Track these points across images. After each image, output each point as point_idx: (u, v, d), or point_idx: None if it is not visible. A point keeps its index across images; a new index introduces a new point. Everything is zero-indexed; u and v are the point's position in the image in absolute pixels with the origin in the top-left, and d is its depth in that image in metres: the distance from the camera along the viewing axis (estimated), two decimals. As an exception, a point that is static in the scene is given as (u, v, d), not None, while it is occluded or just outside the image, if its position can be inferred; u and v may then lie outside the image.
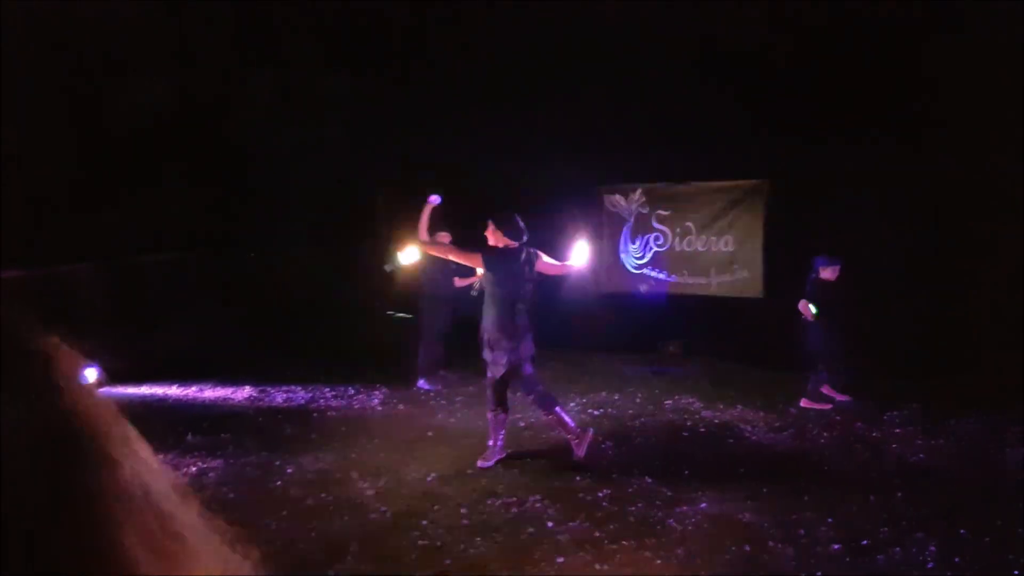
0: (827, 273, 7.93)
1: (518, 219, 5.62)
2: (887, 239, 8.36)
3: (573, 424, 5.74)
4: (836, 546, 4.18)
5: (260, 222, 11.67)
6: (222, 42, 10.50)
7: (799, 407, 7.75)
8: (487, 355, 5.56)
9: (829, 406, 7.79)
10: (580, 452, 5.60)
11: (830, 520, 4.57)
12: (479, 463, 5.55)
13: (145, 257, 10.38)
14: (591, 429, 5.80)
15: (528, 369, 5.59)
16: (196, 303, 10.20)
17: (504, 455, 5.66)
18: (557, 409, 5.69)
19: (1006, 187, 9.06)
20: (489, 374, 5.61)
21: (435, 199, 8.18)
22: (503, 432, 5.71)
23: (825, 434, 6.76)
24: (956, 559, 4.01)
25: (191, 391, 8.17)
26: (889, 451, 6.26)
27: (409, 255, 7.08)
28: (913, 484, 5.32)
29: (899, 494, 5.08)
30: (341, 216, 11.97)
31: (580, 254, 6.08)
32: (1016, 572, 3.88)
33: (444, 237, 8.55)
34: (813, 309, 7.86)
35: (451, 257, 6.03)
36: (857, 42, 9.52)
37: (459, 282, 8.54)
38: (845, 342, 7.88)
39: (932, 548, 4.15)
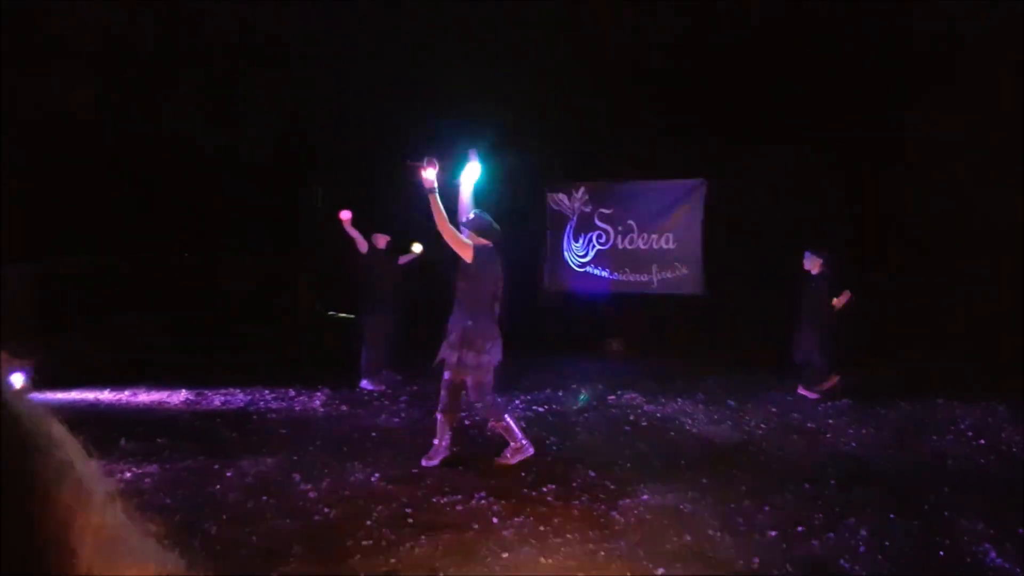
0: (809, 264, 8.10)
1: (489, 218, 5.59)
2: (819, 236, 8.57)
3: (521, 435, 5.66)
4: (773, 533, 4.29)
5: (195, 223, 11.44)
6: (148, 38, 10.26)
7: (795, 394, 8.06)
8: (452, 355, 5.38)
9: (826, 388, 8.03)
10: (511, 460, 5.57)
11: (767, 508, 4.69)
12: (423, 461, 5.54)
13: (72, 259, 10.08)
14: (532, 449, 5.66)
15: (489, 377, 5.49)
16: (128, 307, 9.96)
17: (448, 454, 5.65)
18: (507, 417, 5.67)
19: (934, 185, 9.41)
20: (448, 375, 5.46)
21: (346, 215, 8.18)
22: (450, 433, 5.68)
23: (762, 426, 6.93)
24: (886, 542, 4.16)
25: (124, 396, 7.96)
26: (823, 441, 6.45)
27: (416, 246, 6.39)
28: (845, 472, 5.50)
29: (832, 482, 5.24)
30: (279, 215, 11.80)
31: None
32: (941, 553, 4.03)
33: (381, 240, 8.51)
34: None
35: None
36: (793, 47, 9.76)
37: (404, 259, 8.58)
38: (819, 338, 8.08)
39: (863, 532, 4.29)
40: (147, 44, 10.28)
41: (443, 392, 5.55)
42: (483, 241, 5.48)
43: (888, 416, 7.35)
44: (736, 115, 10.22)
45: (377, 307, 8.40)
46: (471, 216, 5.61)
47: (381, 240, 8.54)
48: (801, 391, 8.09)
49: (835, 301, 8.02)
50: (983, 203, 9.32)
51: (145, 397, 7.95)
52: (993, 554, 4.00)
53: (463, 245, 5.34)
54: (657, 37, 10.17)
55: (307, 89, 11.05)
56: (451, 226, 5.31)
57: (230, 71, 10.73)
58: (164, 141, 10.77)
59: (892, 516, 4.55)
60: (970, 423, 7.01)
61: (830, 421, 7.12)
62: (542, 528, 4.33)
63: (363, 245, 8.32)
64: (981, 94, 9.07)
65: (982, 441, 6.43)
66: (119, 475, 5.19)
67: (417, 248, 8.73)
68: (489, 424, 5.78)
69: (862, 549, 4.07)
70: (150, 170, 10.89)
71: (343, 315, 7.90)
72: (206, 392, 8.09)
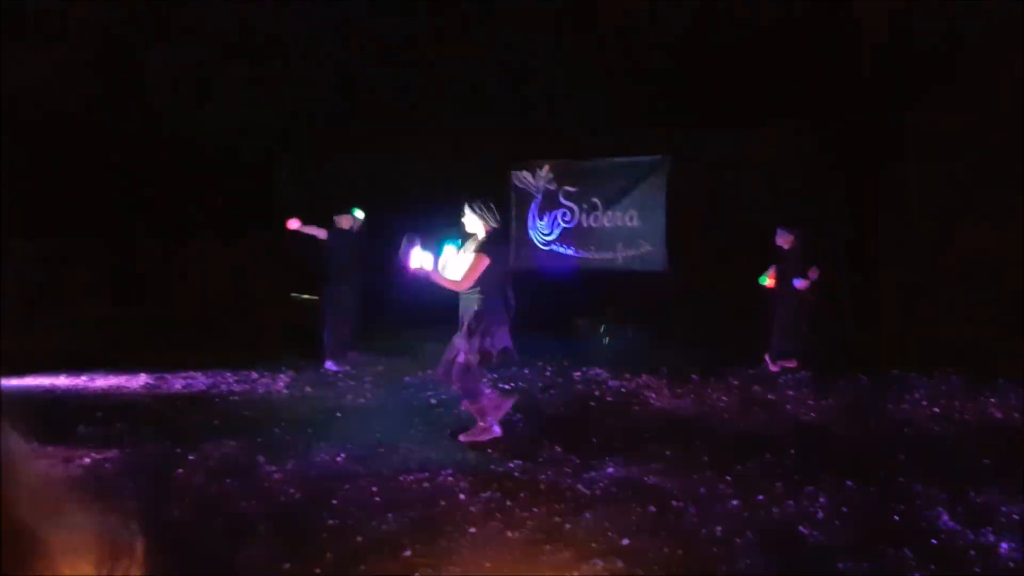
0: (781, 240, 8.14)
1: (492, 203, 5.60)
2: (783, 213, 8.69)
3: (492, 418, 5.67)
4: (735, 502, 4.37)
5: (154, 206, 11.24)
6: (110, 19, 10.01)
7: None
8: (473, 343, 5.40)
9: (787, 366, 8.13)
10: (474, 438, 5.61)
11: (728, 478, 4.77)
12: (495, 428, 5.63)
13: (28, 243, 9.85)
14: (499, 431, 5.68)
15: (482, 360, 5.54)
16: (86, 290, 9.78)
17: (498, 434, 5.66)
18: (486, 394, 5.72)
19: (900, 162, 9.58)
20: (469, 360, 5.45)
21: (293, 224, 8.15)
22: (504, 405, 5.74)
23: (724, 398, 7.03)
24: (844, 509, 4.26)
25: (80, 381, 7.82)
26: (783, 412, 6.57)
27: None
28: (804, 442, 5.61)
29: (792, 451, 5.34)
30: (240, 197, 11.64)
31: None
32: (896, 517, 4.14)
33: (344, 221, 8.46)
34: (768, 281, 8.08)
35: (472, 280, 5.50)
36: (756, 28, 9.82)
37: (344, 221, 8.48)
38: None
39: (822, 500, 4.39)
40: (110, 21, 10.02)
41: (472, 379, 5.56)
42: (486, 260, 5.43)
43: (846, 387, 7.50)
44: (701, 94, 10.29)
45: (340, 288, 8.35)
46: (478, 241, 5.53)
47: (345, 221, 8.49)
48: (767, 359, 8.24)
49: (799, 284, 8.06)
50: (941, 179, 9.52)
51: (103, 382, 7.83)
52: (946, 517, 4.12)
53: (474, 278, 5.42)
54: (623, 16, 10.16)
55: (274, 71, 10.88)
56: (454, 277, 5.44)
57: (197, 52, 10.51)
58: (125, 123, 10.55)
59: (849, 483, 4.66)
60: (924, 393, 7.19)
61: (790, 393, 7.25)
62: (509, 503, 4.36)
63: (321, 234, 8.30)
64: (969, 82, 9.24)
65: (936, 410, 6.60)
66: (78, 461, 5.12)
67: (359, 214, 8.67)
68: (464, 403, 5.79)
69: (821, 516, 4.16)
70: (111, 153, 10.67)
71: (306, 297, 7.85)
72: (166, 376, 7.99)
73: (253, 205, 11.99)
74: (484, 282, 5.45)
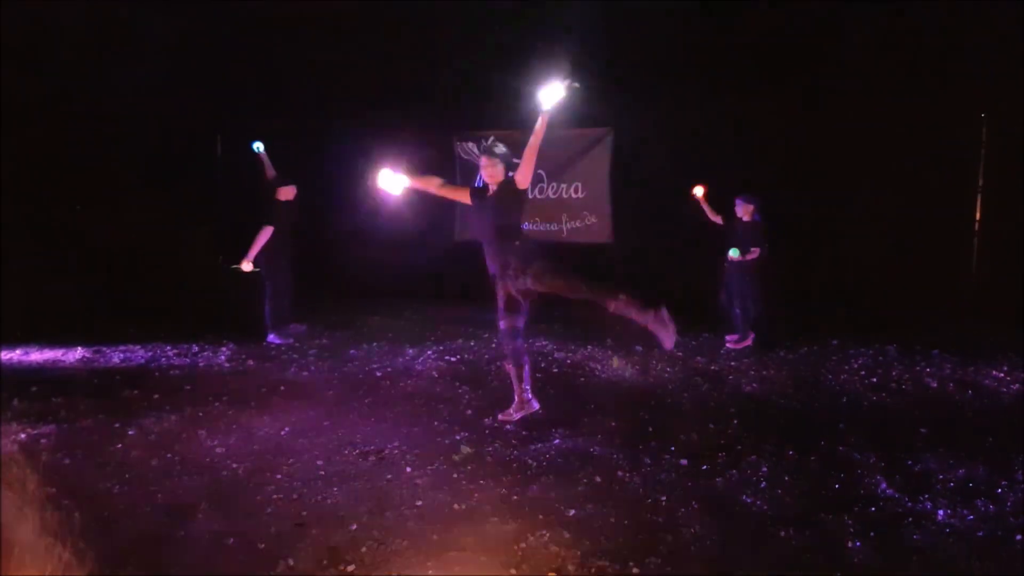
0: (740, 211, 8.17)
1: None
2: (725, 183, 8.76)
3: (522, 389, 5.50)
4: (679, 472, 4.43)
5: (88, 174, 10.85)
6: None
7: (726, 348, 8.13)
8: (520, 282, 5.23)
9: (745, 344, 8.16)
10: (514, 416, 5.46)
11: (673, 448, 4.83)
12: (501, 416, 5.45)
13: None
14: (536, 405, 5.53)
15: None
16: (16, 261, 9.42)
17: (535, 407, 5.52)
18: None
19: (840, 131, 9.73)
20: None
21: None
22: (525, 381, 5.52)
23: (668, 369, 7.11)
24: (786, 478, 4.35)
25: (15, 355, 7.57)
26: (726, 383, 6.67)
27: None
28: (747, 412, 5.71)
29: (735, 422, 5.44)
30: (178, 163, 11.30)
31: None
32: (837, 486, 4.24)
33: (287, 192, 8.29)
34: (734, 253, 8.05)
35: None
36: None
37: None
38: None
39: (764, 469, 4.47)
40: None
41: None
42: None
43: (787, 358, 7.66)
44: (642, 64, 10.31)
45: (277, 258, 8.19)
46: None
47: (284, 193, 8.31)
48: (729, 344, 8.18)
49: (753, 254, 8.06)
50: (882, 147, 9.71)
51: (38, 356, 7.59)
52: (884, 485, 4.23)
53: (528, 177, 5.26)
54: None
55: (207, 30, 10.52)
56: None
57: (124, 7, 10.08)
58: (55, 86, 10.11)
59: (791, 452, 4.76)
60: (863, 363, 7.37)
61: (732, 364, 7.37)
62: (455, 475, 4.35)
63: (270, 172, 8.28)
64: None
65: (874, 380, 6.78)
66: (13, 436, 4.95)
67: (259, 146, 8.57)
68: (523, 369, 5.51)
69: (763, 485, 4.24)
70: (40, 119, 10.23)
71: (245, 268, 7.70)
72: (104, 349, 7.77)
73: (189, 172, 11.67)
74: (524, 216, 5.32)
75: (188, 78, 10.70)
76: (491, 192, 5.29)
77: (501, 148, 5.36)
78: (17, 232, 9.86)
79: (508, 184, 5.27)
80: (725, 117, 10.19)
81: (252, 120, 10.72)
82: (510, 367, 5.49)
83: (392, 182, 5.31)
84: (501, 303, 5.35)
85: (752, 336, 8.20)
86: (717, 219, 8.48)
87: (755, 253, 8.00)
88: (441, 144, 11.78)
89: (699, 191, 8.55)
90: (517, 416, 5.42)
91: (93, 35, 10.09)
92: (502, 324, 5.38)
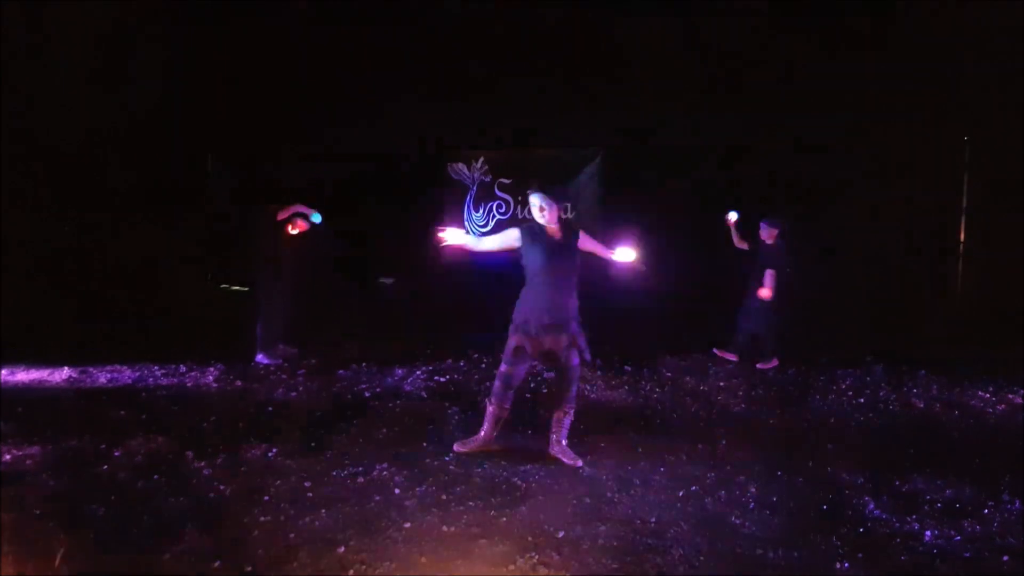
0: (765, 235, 8.17)
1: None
2: (716, 206, 8.82)
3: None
4: (668, 492, 4.43)
5: (79, 191, 10.80)
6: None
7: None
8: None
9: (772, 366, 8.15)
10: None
11: (662, 469, 4.84)
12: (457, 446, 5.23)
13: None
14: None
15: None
16: (4, 279, 9.37)
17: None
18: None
19: (831, 159, 9.84)
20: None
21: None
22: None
23: (657, 390, 7.12)
24: (774, 498, 4.36)
25: (1, 375, 7.50)
26: (714, 403, 6.69)
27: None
28: (736, 432, 5.73)
29: (723, 442, 5.45)
30: (169, 180, 11.29)
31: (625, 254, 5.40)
32: (825, 507, 4.26)
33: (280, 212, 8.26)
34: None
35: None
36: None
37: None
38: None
39: (753, 489, 4.48)
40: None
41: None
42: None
43: (775, 378, 7.68)
44: (636, 83, 10.40)
45: (276, 277, 8.16)
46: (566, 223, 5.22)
47: (281, 213, 8.28)
48: (760, 366, 8.12)
49: (735, 217, 8.13)
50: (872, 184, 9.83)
51: (23, 376, 7.52)
52: (872, 506, 4.25)
53: None
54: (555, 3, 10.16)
55: (204, 52, 10.56)
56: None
57: (117, 24, 10.09)
58: (47, 101, 10.09)
59: (779, 473, 4.77)
60: (850, 383, 7.40)
61: (721, 384, 7.38)
62: (444, 496, 4.34)
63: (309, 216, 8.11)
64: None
65: (861, 400, 6.81)
66: (-4, 458, 4.91)
67: (317, 219, 8.41)
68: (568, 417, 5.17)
69: (752, 505, 4.25)
70: (28, 133, 10.20)
71: (236, 287, 7.65)
72: (90, 369, 7.71)
73: (180, 189, 11.64)
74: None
75: (180, 96, 10.71)
76: (557, 236, 5.00)
77: (554, 190, 5.10)
78: (3, 251, 9.81)
79: (570, 229, 5.09)
80: (712, 137, 10.28)
81: (243, 140, 10.76)
82: (491, 407, 5.21)
83: (454, 239, 5.06)
84: (511, 349, 5.02)
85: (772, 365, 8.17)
86: (743, 245, 8.38)
87: (769, 275, 8.00)
88: (431, 164, 11.82)
89: (733, 216, 8.39)
90: (470, 449, 5.19)
91: (89, 54, 10.10)
92: (503, 368, 5.08)
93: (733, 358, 8.25)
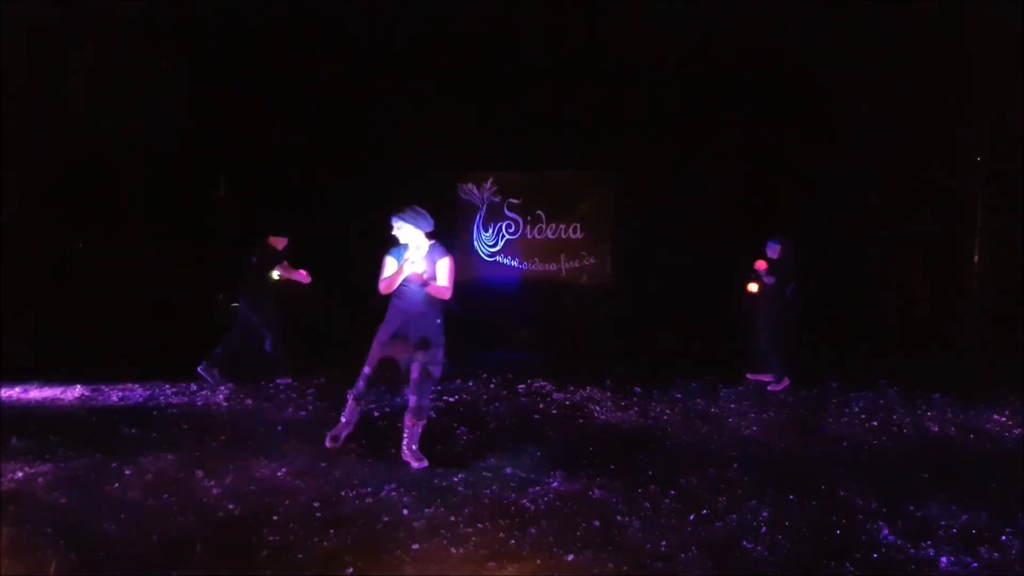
0: (772, 252, 8.18)
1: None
2: (725, 229, 8.82)
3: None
4: (679, 516, 4.39)
5: (92, 212, 10.86)
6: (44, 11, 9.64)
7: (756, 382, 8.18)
8: (440, 355, 5.59)
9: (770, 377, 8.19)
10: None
11: (673, 492, 4.80)
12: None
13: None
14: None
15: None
16: (18, 299, 9.42)
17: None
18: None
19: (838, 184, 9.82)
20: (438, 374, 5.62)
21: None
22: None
23: (668, 411, 7.08)
24: (786, 523, 4.31)
25: (13, 392, 7.54)
26: (725, 426, 6.64)
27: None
28: (747, 455, 5.68)
29: (735, 465, 5.40)
30: (179, 203, 11.34)
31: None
32: (838, 531, 4.21)
33: (279, 243, 8.28)
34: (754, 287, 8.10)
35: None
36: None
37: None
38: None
39: (765, 514, 4.43)
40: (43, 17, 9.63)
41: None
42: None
43: (787, 401, 7.63)
44: (650, 107, 10.43)
45: (260, 299, 8.18)
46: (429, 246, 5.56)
47: (279, 243, 8.31)
48: (771, 388, 8.10)
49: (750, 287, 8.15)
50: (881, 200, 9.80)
51: (37, 394, 7.56)
52: (886, 531, 4.19)
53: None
54: (570, 28, 10.20)
55: (214, 75, 10.63)
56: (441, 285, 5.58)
57: (131, 48, 10.18)
58: (61, 124, 10.18)
59: (792, 497, 4.72)
60: (863, 406, 7.34)
61: (732, 406, 7.34)
62: (453, 518, 4.31)
63: (304, 279, 8.15)
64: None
65: (874, 423, 6.75)
66: (10, 475, 4.92)
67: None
68: (420, 423, 5.50)
69: (764, 530, 4.21)
70: (43, 155, 10.28)
71: (235, 305, 7.70)
72: (102, 388, 7.74)
73: (191, 210, 11.70)
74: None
75: (192, 117, 10.78)
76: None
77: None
78: (17, 269, 9.86)
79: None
80: (728, 161, 10.28)
81: (254, 161, 10.82)
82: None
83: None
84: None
85: (782, 385, 8.13)
86: (770, 280, 8.20)
87: (763, 284, 8.04)
88: (442, 185, 11.86)
89: (754, 288, 8.30)
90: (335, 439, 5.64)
91: (99, 74, 10.20)
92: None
93: (768, 378, 8.22)
